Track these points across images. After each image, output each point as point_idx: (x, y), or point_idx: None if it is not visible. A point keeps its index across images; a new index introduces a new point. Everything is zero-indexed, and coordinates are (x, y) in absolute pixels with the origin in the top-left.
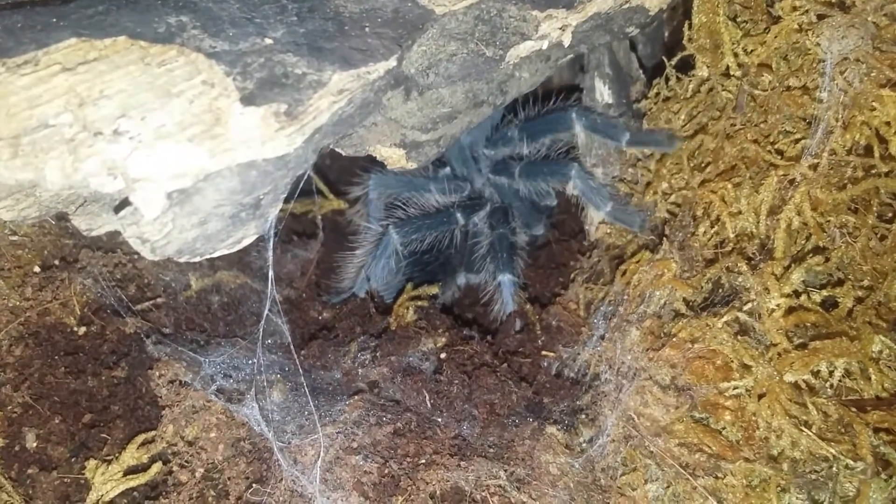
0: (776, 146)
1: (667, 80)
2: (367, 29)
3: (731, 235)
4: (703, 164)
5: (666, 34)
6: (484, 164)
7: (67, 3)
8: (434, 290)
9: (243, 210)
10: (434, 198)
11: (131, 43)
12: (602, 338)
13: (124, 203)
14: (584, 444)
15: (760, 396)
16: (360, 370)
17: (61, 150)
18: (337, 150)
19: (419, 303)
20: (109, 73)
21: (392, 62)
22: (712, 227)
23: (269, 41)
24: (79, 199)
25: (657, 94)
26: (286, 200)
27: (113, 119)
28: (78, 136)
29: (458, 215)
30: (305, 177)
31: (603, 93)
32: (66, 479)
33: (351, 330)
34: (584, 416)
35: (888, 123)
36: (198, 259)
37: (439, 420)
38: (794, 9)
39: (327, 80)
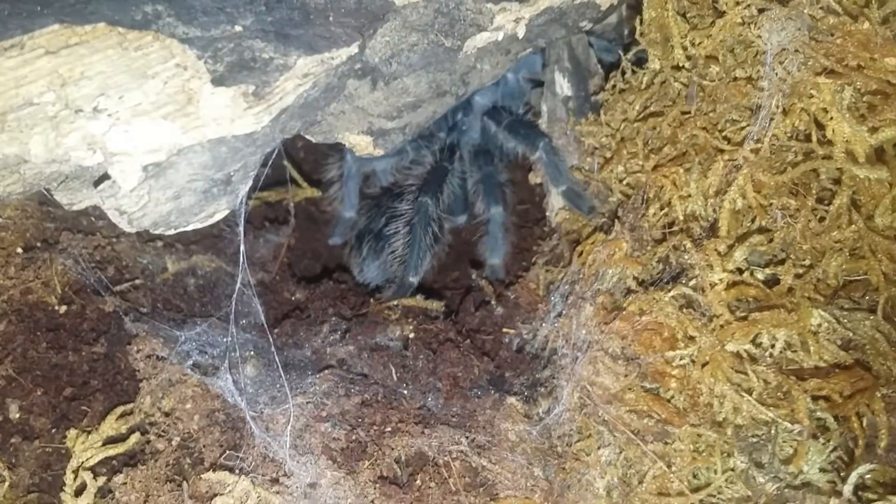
0: (724, 133)
1: (623, 72)
2: (330, 18)
3: (681, 217)
4: (657, 149)
5: (626, 32)
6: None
7: None
8: (438, 305)
9: (215, 185)
10: (409, 158)
11: (110, 29)
12: (560, 315)
13: (103, 177)
14: (542, 414)
15: (704, 365)
16: (328, 348)
17: (45, 126)
18: (307, 136)
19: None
20: (89, 56)
21: (354, 49)
22: (662, 209)
23: (238, 28)
24: (60, 176)
25: (614, 86)
26: (261, 189)
27: (93, 98)
28: (60, 113)
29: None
30: (280, 167)
31: (562, 86)
32: (47, 449)
33: (323, 311)
34: (542, 389)
35: (825, 109)
36: (172, 231)
37: (405, 392)
38: (737, 3)
39: (293, 64)
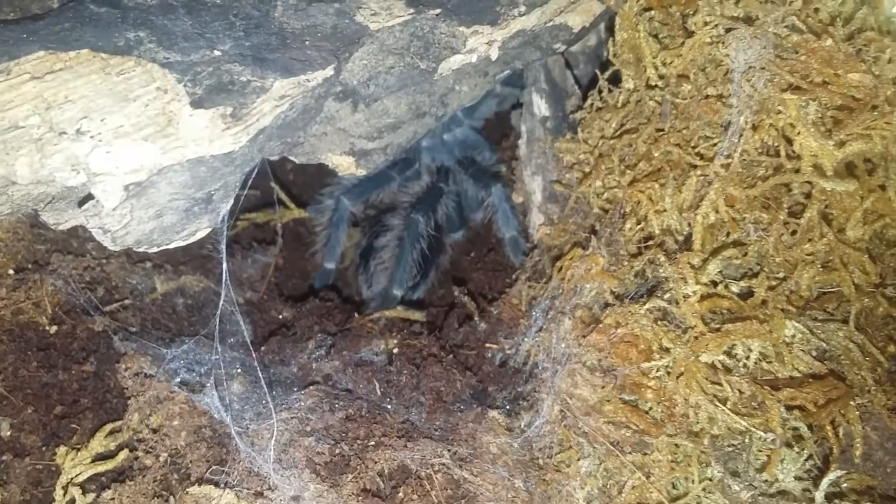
0: (697, 150)
1: (599, 91)
2: (307, 42)
3: (657, 231)
4: (632, 165)
5: (605, 54)
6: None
7: (37, 21)
8: (418, 315)
9: (196, 204)
10: (396, 184)
11: (93, 55)
12: (541, 329)
13: (87, 197)
14: (523, 427)
15: (679, 376)
16: (314, 364)
17: (30, 149)
18: (291, 157)
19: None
20: (73, 80)
21: (329, 71)
22: (638, 223)
23: (217, 53)
24: (47, 196)
25: (591, 104)
26: (249, 210)
27: (76, 120)
28: (45, 135)
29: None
30: (269, 189)
31: (540, 106)
32: (38, 466)
33: (309, 328)
34: (524, 402)
35: (792, 125)
36: (155, 249)
37: (388, 406)
38: (706, 24)
39: (270, 86)
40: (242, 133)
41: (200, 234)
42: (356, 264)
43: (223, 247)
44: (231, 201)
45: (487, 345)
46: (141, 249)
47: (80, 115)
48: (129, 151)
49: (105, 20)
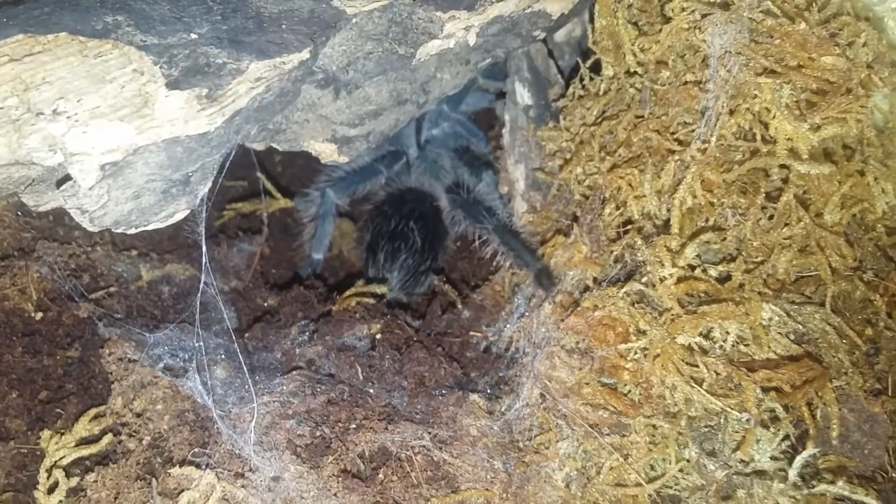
0: (676, 136)
1: (581, 80)
2: (283, 26)
3: (637, 216)
4: (612, 152)
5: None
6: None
7: (17, 6)
8: (383, 288)
9: (174, 186)
10: (384, 177)
11: (72, 38)
12: (523, 315)
13: (65, 178)
14: (504, 410)
15: (655, 357)
16: (297, 350)
17: (8, 129)
18: (273, 145)
19: (364, 299)
20: (51, 63)
21: (305, 54)
22: (618, 208)
23: (194, 36)
24: (28, 179)
25: (573, 93)
26: (236, 200)
27: (53, 101)
28: (22, 116)
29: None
30: (255, 180)
31: (523, 95)
32: (22, 450)
33: (293, 315)
34: (506, 387)
35: (767, 109)
36: (134, 231)
37: (371, 391)
38: (683, 9)
39: (245, 68)
40: (218, 114)
41: (179, 216)
42: (364, 259)
43: (202, 229)
44: (209, 183)
45: (471, 332)
46: (119, 230)
47: (57, 95)
48: (105, 131)
49: (84, 4)
